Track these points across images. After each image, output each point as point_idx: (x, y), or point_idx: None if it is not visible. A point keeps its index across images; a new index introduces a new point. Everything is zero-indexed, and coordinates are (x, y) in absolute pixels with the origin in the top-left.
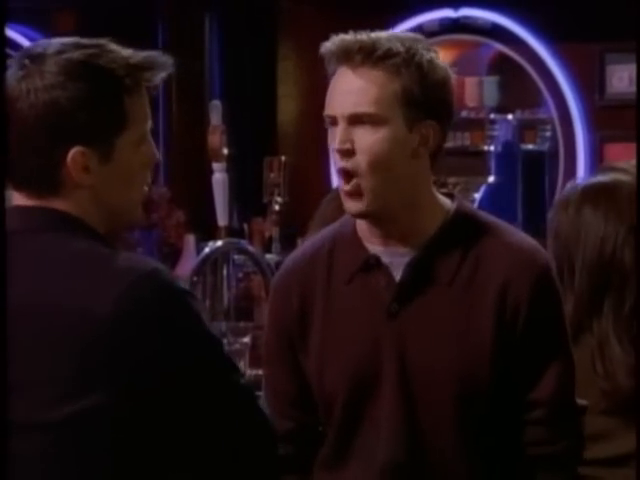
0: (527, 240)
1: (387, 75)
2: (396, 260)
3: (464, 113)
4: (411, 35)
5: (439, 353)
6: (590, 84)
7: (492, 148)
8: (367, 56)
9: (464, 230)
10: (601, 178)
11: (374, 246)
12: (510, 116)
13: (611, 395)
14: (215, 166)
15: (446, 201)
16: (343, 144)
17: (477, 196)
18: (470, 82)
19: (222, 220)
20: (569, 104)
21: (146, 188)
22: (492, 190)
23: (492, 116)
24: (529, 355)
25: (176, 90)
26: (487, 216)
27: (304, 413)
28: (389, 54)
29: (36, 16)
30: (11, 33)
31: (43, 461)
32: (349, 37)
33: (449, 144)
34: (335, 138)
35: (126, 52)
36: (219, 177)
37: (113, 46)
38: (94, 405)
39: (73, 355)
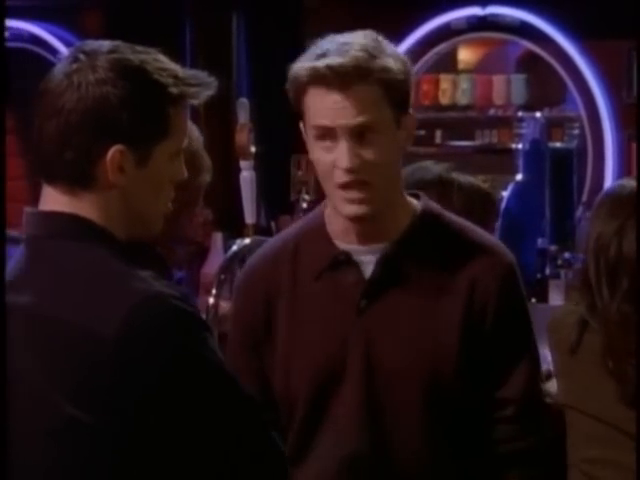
0: (493, 240)
1: (378, 85)
2: (365, 257)
3: (492, 111)
4: (373, 35)
5: (406, 351)
6: (618, 82)
7: (520, 146)
8: (364, 77)
9: (432, 229)
10: (624, 182)
11: (344, 244)
12: (538, 114)
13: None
14: (243, 164)
15: (412, 200)
16: (353, 161)
17: (505, 194)
18: (498, 80)
19: (250, 218)
20: (597, 102)
21: (170, 205)
22: (520, 188)
23: (520, 114)
24: (497, 353)
25: None
26: (452, 216)
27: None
28: (383, 70)
29: (64, 15)
30: (39, 31)
31: (39, 469)
32: (338, 60)
33: (477, 142)
34: (331, 154)
35: (174, 65)
36: (247, 175)
37: (163, 57)
38: (90, 422)
39: (74, 370)
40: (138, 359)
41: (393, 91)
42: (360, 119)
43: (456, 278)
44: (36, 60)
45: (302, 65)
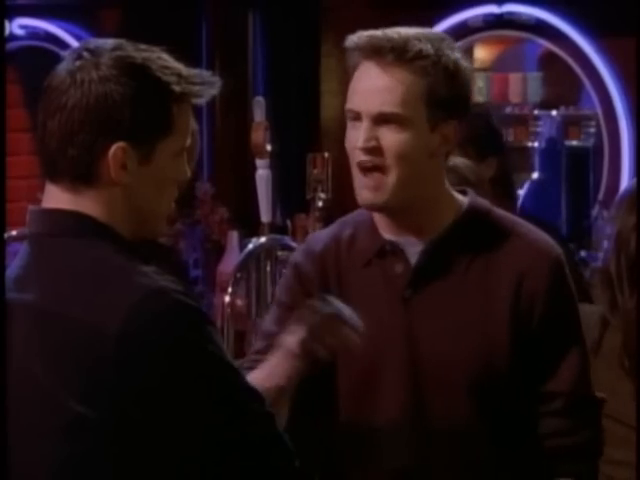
0: (540, 234)
1: (415, 76)
2: (412, 248)
3: (508, 109)
4: (438, 34)
5: (451, 342)
6: (635, 80)
7: (536, 144)
8: (398, 56)
9: (478, 223)
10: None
11: (390, 235)
12: (554, 112)
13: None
14: (258, 162)
15: (460, 196)
16: (368, 142)
17: (521, 192)
18: (514, 78)
19: (265, 216)
20: (613, 100)
21: (173, 205)
22: (536, 186)
23: (536, 112)
24: (546, 346)
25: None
26: (500, 211)
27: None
28: (419, 55)
29: (81, 13)
30: (56, 29)
31: (47, 467)
32: (379, 34)
33: None
34: (357, 134)
35: (178, 64)
36: (262, 173)
37: (166, 56)
38: (96, 418)
39: (79, 367)
40: (141, 354)
41: (435, 90)
42: (383, 108)
43: (503, 271)
44: (52, 58)
45: (352, 37)
